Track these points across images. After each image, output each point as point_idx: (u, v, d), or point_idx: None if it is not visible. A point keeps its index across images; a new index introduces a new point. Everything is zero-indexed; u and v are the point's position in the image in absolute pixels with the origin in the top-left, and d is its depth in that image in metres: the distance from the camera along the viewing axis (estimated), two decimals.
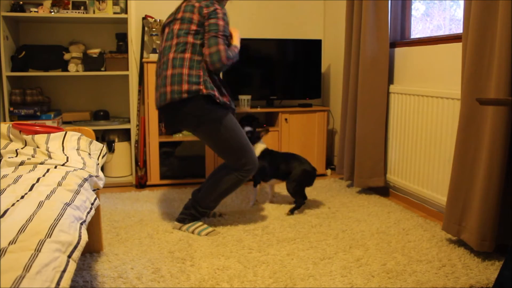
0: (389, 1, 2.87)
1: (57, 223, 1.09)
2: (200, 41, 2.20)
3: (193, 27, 2.20)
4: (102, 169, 2.94)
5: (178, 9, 2.29)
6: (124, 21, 3.22)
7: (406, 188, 2.81)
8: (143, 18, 3.39)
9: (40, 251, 0.94)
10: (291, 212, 2.65)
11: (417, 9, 2.98)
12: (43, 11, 3.09)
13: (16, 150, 1.71)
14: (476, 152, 2.05)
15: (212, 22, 2.19)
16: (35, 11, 3.07)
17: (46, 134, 1.84)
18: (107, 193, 3.09)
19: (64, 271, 0.96)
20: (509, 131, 1.90)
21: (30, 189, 1.31)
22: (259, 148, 2.78)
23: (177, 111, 2.22)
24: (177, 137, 3.33)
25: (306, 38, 3.86)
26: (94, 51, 3.27)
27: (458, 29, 2.64)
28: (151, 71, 3.15)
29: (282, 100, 3.72)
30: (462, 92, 2.09)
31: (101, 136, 3.45)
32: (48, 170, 1.52)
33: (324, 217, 2.59)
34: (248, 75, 3.59)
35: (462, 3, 2.55)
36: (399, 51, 2.91)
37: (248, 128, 2.72)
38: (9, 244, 0.94)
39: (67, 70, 3.21)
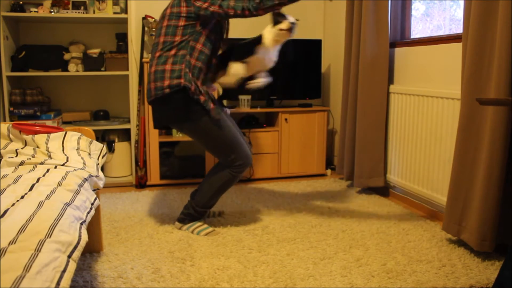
0: (389, 1, 2.87)
1: (57, 223, 1.09)
2: (188, 37, 2.16)
3: (181, 23, 2.16)
4: (102, 169, 2.94)
5: (168, 4, 2.26)
6: (124, 21, 3.23)
7: (406, 188, 2.81)
8: (143, 18, 3.39)
9: (40, 251, 0.94)
10: None
11: (417, 9, 2.98)
12: (43, 11, 3.09)
13: (16, 150, 1.71)
14: (476, 152, 2.05)
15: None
16: (35, 11, 3.07)
17: (46, 134, 1.84)
18: (107, 193, 3.09)
19: (64, 271, 0.96)
20: (509, 131, 1.90)
21: (30, 189, 1.31)
22: None
23: (162, 107, 2.21)
24: (177, 137, 3.33)
25: (306, 38, 3.86)
26: (94, 51, 3.27)
27: (458, 29, 2.64)
28: None
29: (282, 100, 3.72)
30: (462, 92, 2.09)
31: (101, 136, 3.45)
32: (48, 170, 1.52)
33: (324, 217, 2.59)
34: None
35: (462, 3, 2.55)
36: (399, 51, 2.91)
37: None
38: (9, 244, 0.94)
39: (67, 70, 3.21)
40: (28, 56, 3.18)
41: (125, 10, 3.23)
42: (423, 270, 1.91)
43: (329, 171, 3.70)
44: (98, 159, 1.91)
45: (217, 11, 2.13)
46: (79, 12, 3.15)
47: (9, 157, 1.64)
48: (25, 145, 1.81)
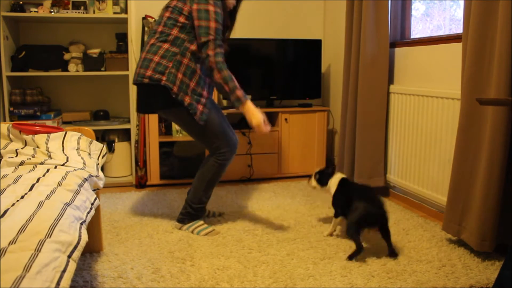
0: (389, 1, 2.87)
1: (57, 223, 1.09)
2: (184, 36, 2.16)
3: (181, 19, 2.16)
4: (102, 169, 2.94)
5: None
6: (124, 21, 3.22)
7: (406, 188, 2.81)
8: (143, 18, 3.39)
9: (40, 251, 0.94)
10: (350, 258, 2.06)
11: (417, 9, 2.98)
12: (43, 11, 3.09)
13: (16, 150, 1.71)
14: (476, 152, 2.05)
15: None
16: (35, 11, 3.07)
17: (46, 134, 1.84)
18: (107, 193, 3.09)
19: (64, 271, 0.96)
20: (509, 131, 1.90)
21: (30, 189, 1.31)
22: (335, 180, 2.30)
23: (145, 93, 2.22)
24: (177, 137, 3.33)
25: (306, 38, 3.86)
26: (94, 51, 3.27)
27: (458, 29, 2.64)
28: None
29: (282, 100, 3.72)
30: (462, 92, 2.09)
31: (101, 136, 3.45)
32: (48, 170, 1.52)
33: (324, 217, 2.59)
34: (248, 75, 3.59)
35: (462, 3, 2.55)
36: (399, 51, 2.91)
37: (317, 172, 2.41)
38: (9, 244, 0.94)
39: (67, 70, 3.21)
40: (28, 56, 3.18)
41: (125, 10, 3.23)
42: (423, 270, 1.91)
43: None
44: (98, 159, 1.91)
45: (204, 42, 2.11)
46: (79, 12, 3.15)
47: (9, 157, 1.64)
48: (25, 145, 1.81)
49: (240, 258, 2.03)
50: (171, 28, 2.17)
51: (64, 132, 1.89)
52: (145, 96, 2.24)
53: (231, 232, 2.35)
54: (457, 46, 2.36)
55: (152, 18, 3.36)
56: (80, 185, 1.47)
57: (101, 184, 1.73)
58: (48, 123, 3.08)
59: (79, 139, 1.89)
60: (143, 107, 2.30)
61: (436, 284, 1.79)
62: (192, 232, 2.34)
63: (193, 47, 2.17)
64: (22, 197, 1.24)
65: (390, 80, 2.99)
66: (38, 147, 1.78)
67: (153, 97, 2.20)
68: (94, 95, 3.54)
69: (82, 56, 3.25)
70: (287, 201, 2.92)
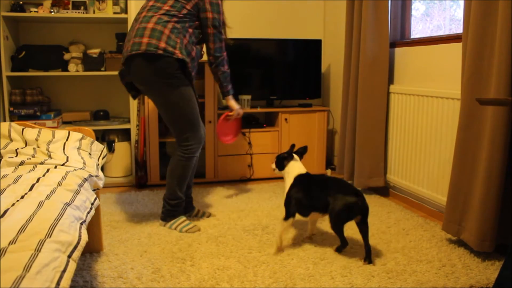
0: (389, 1, 2.87)
1: (57, 223, 1.09)
2: (187, 19, 2.25)
3: (188, 6, 2.25)
4: (102, 169, 2.94)
5: None
6: (124, 21, 3.22)
7: (406, 188, 2.81)
8: None
9: (40, 251, 0.94)
10: (338, 250, 2.11)
11: (417, 9, 2.99)
12: (43, 11, 3.09)
13: (16, 150, 1.71)
14: (476, 152, 2.05)
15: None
16: (35, 11, 3.07)
17: (51, 132, 1.85)
18: (107, 193, 3.09)
19: (64, 271, 0.96)
20: (509, 131, 1.90)
21: (30, 189, 1.31)
22: (292, 171, 2.15)
23: (145, 64, 2.19)
24: None
25: (306, 38, 3.86)
26: (94, 51, 3.27)
27: (458, 29, 2.64)
28: None
29: (282, 100, 3.72)
30: (462, 92, 2.09)
31: (101, 136, 3.45)
32: (48, 170, 1.52)
33: (324, 217, 2.58)
34: (248, 75, 3.59)
35: (462, 3, 2.55)
36: (399, 51, 2.91)
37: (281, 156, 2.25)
38: (9, 244, 0.94)
39: (67, 70, 3.21)
40: (28, 56, 3.18)
41: (125, 10, 3.23)
42: (423, 270, 1.91)
43: (329, 171, 3.70)
44: (98, 159, 1.91)
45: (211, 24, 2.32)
46: (79, 12, 3.15)
47: (9, 157, 1.64)
48: (26, 145, 1.81)
49: (240, 258, 2.03)
50: (179, 11, 2.23)
51: (68, 132, 1.90)
52: (141, 66, 2.20)
53: (231, 232, 2.35)
54: (457, 46, 2.36)
55: None
56: (80, 185, 1.47)
57: (101, 184, 1.73)
58: (48, 123, 3.09)
59: (81, 139, 1.90)
60: (132, 77, 2.29)
61: (436, 284, 1.79)
62: (175, 229, 2.36)
63: (191, 30, 2.28)
64: (22, 197, 1.24)
65: (390, 80, 2.99)
66: (38, 147, 1.78)
67: (149, 68, 2.19)
68: (94, 95, 3.54)
69: (82, 56, 3.25)
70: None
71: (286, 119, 3.47)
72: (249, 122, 3.50)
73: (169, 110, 2.30)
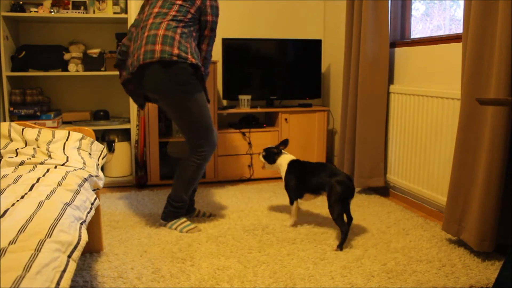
0: (389, 1, 2.87)
1: (57, 223, 1.09)
2: (191, 24, 2.27)
3: (192, 10, 2.25)
4: (102, 169, 2.94)
5: None
6: (124, 21, 3.23)
7: (406, 188, 2.81)
8: None
9: (40, 251, 0.94)
10: (340, 248, 2.14)
11: (417, 9, 2.99)
12: (43, 11, 3.09)
13: (16, 150, 1.71)
14: (476, 152, 2.05)
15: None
16: (35, 11, 3.08)
17: (51, 132, 1.85)
18: (107, 193, 3.09)
19: (64, 271, 0.96)
20: (509, 131, 1.90)
21: (30, 189, 1.31)
22: (285, 160, 2.48)
23: (160, 71, 2.17)
24: (178, 137, 3.33)
25: (306, 38, 3.86)
26: (94, 51, 3.27)
27: (458, 29, 2.64)
28: None
29: (282, 100, 3.72)
30: (462, 92, 2.09)
31: (101, 136, 3.45)
32: (48, 170, 1.52)
33: (324, 217, 2.59)
34: (248, 75, 3.59)
35: (462, 3, 2.55)
36: (399, 51, 2.91)
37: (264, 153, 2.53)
38: (9, 244, 0.94)
39: (67, 70, 3.21)
40: (28, 56, 3.18)
41: (125, 10, 3.23)
42: (423, 270, 1.91)
43: None
44: (98, 159, 1.91)
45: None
46: (79, 12, 3.15)
47: (9, 157, 1.64)
48: (26, 145, 1.81)
49: (240, 258, 2.03)
50: (185, 16, 2.24)
51: (68, 132, 1.90)
52: (156, 75, 2.18)
53: (231, 232, 2.35)
54: (457, 46, 2.36)
55: None
56: (80, 185, 1.47)
57: (101, 184, 1.73)
58: (48, 123, 3.09)
59: (81, 139, 1.90)
60: (146, 88, 2.26)
61: (436, 284, 1.79)
62: (176, 229, 2.36)
63: (195, 34, 2.31)
64: (22, 197, 1.24)
65: (390, 80, 2.99)
66: (38, 146, 1.78)
67: (164, 76, 2.17)
68: (94, 95, 3.54)
69: (82, 56, 3.25)
70: (287, 201, 2.92)
71: (286, 119, 3.47)
72: (249, 122, 3.50)
73: (184, 117, 2.29)
